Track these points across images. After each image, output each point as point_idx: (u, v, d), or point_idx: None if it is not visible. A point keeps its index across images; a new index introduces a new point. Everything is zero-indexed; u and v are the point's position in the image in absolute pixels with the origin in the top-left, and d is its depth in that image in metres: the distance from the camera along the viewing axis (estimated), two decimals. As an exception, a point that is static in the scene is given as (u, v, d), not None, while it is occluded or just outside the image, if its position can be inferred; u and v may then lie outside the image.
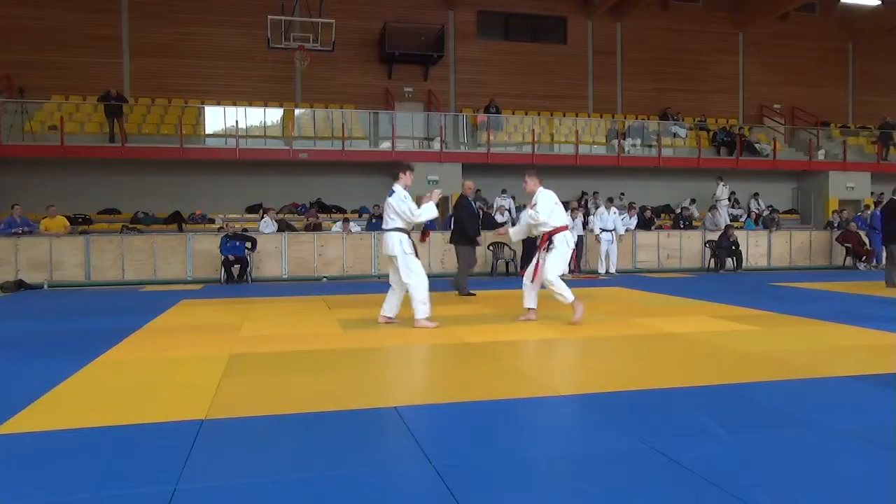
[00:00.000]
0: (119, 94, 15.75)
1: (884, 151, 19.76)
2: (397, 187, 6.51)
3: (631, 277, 12.97)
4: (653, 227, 15.87)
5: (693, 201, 18.42)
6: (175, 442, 2.98)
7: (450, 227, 12.66)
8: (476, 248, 10.14)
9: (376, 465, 2.71)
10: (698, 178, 18.86)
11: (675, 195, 19.05)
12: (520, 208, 15.60)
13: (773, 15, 20.75)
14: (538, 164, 17.15)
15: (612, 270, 13.75)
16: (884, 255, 15.58)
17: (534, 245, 14.24)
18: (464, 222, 9.78)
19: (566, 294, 6.47)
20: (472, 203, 10.32)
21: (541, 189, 6.73)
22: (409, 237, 6.43)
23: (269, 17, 15.61)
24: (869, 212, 16.42)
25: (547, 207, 6.59)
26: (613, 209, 14.11)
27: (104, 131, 15.48)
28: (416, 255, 6.41)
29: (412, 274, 6.29)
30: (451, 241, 10.31)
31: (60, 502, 2.37)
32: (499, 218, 15.25)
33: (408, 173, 6.64)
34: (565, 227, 6.68)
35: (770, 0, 20.23)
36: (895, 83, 22.25)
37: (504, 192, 16.60)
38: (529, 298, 6.82)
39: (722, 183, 17.71)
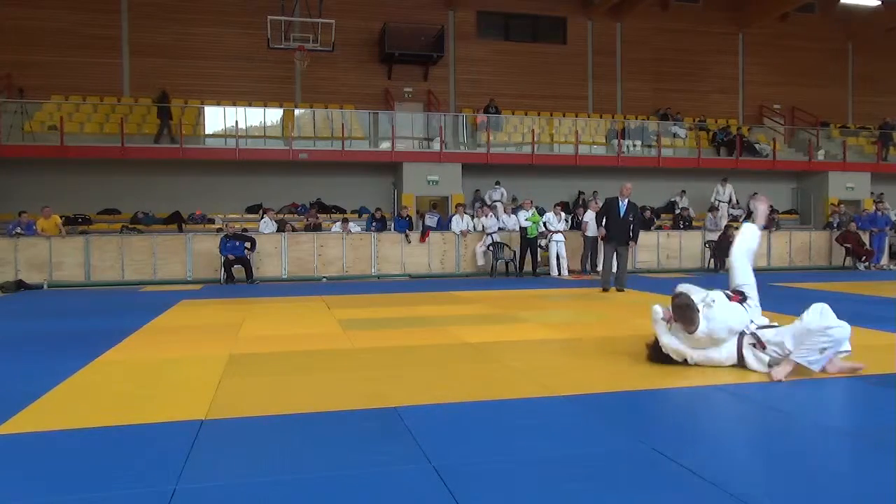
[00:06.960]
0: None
1: (883, 151, 19.77)
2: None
3: (631, 277, 12.90)
4: (653, 228, 15.85)
5: (683, 192, 18.38)
6: (175, 442, 2.98)
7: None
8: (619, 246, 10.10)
9: (376, 465, 2.71)
10: (698, 179, 18.86)
11: (675, 195, 19.06)
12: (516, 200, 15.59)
13: (773, 15, 20.76)
14: (538, 164, 17.21)
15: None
16: (884, 255, 15.65)
17: (534, 245, 14.09)
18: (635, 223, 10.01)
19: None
20: (618, 203, 9.93)
21: None
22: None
23: (269, 17, 15.63)
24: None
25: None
26: None
27: (104, 131, 15.52)
28: None
29: None
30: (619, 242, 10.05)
31: (60, 502, 2.37)
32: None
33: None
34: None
35: (770, 0, 20.24)
36: (895, 83, 22.26)
37: (497, 183, 16.61)
38: None
39: (726, 184, 17.72)
